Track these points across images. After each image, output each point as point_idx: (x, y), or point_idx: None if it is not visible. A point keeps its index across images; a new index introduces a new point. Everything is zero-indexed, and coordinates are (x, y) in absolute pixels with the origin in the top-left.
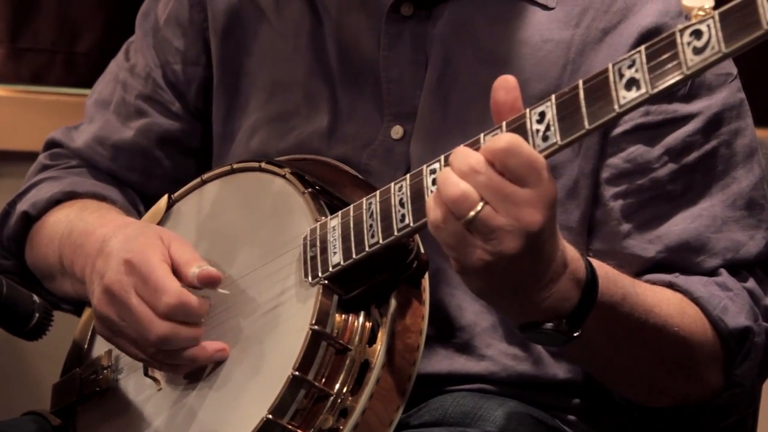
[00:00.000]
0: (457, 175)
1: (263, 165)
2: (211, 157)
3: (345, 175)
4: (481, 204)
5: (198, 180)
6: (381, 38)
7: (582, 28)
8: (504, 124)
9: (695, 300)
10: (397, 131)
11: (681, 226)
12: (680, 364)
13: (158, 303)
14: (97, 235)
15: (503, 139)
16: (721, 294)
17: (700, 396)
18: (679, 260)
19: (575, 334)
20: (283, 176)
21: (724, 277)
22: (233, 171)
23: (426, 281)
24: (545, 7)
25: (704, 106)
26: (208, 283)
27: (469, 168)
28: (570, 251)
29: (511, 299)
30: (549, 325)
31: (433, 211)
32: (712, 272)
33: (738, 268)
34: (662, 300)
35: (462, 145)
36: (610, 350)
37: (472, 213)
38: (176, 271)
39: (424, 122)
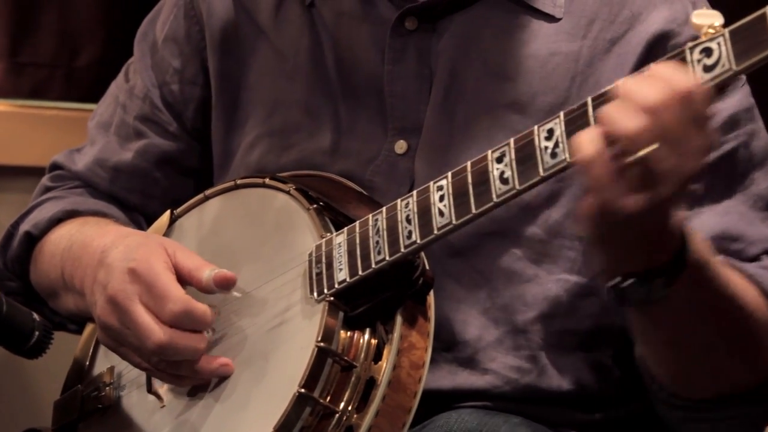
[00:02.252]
0: (634, 108)
1: (267, 181)
2: (211, 177)
3: (349, 191)
4: (656, 144)
5: (201, 196)
6: (385, 52)
7: (590, 39)
8: (512, 140)
9: (749, 277)
10: (401, 146)
11: (714, 219)
12: (743, 343)
13: (163, 310)
14: (96, 246)
15: (689, 79)
16: None
17: (754, 382)
18: (722, 249)
19: (666, 291)
20: (288, 192)
21: (767, 261)
22: (237, 187)
23: (431, 298)
24: (552, 19)
25: (719, 108)
26: (224, 284)
27: (655, 102)
28: None
29: (630, 248)
30: (651, 278)
31: (590, 144)
32: (754, 259)
33: None
34: (731, 273)
35: (636, 78)
36: (688, 316)
37: (642, 152)
38: (187, 278)
39: (429, 137)
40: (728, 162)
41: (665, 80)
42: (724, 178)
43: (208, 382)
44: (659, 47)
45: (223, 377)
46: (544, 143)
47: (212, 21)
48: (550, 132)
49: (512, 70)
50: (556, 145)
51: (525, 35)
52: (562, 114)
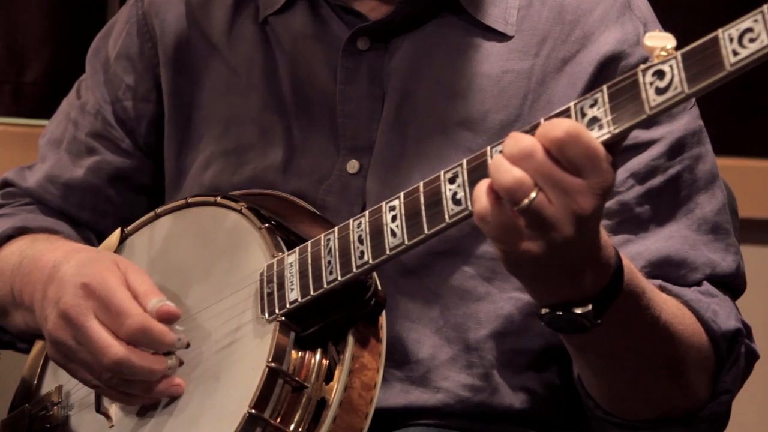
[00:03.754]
0: (508, 160)
1: (218, 199)
2: (164, 194)
3: (301, 210)
4: (535, 191)
5: (152, 214)
6: (337, 72)
7: (541, 57)
8: (465, 161)
9: (686, 303)
10: (353, 165)
11: (657, 244)
12: (678, 369)
13: (120, 326)
14: (46, 261)
15: (562, 126)
16: (708, 300)
17: (689, 407)
18: (662, 275)
19: (598, 321)
20: (239, 211)
21: (707, 286)
22: (188, 205)
23: (383, 318)
24: (504, 38)
25: (666, 131)
26: (167, 318)
27: (520, 152)
28: (604, 235)
29: (549, 282)
30: (577, 309)
31: (481, 201)
32: (695, 285)
33: (716, 284)
34: (667, 299)
35: (515, 132)
36: (622, 344)
37: (526, 201)
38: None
39: (381, 157)
40: (673, 186)
41: (541, 129)
42: (668, 202)
43: (158, 402)
44: (610, 68)
45: (174, 397)
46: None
47: (165, 38)
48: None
49: (464, 88)
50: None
51: (477, 54)
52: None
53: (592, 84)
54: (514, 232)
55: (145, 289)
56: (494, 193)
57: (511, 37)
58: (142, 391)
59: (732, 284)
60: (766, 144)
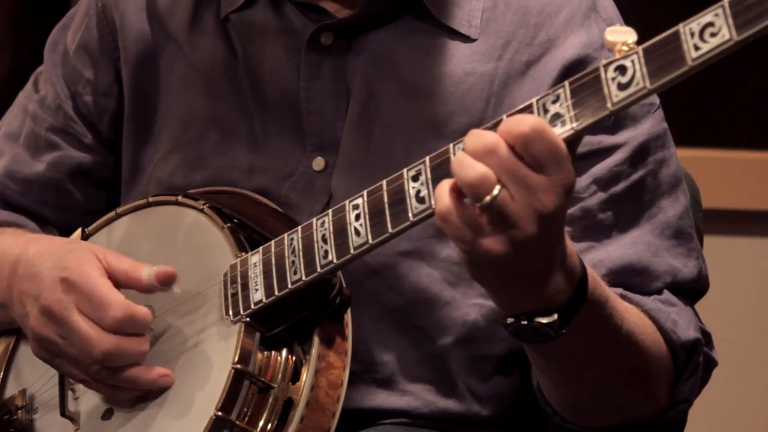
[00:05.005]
0: (471, 156)
1: (180, 198)
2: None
3: (264, 208)
4: (498, 187)
5: (113, 213)
6: (300, 69)
7: (505, 60)
8: (428, 159)
9: (646, 312)
10: (318, 163)
11: (619, 251)
12: (639, 377)
13: (105, 318)
14: (17, 255)
15: (526, 122)
16: (668, 309)
17: (648, 414)
18: (623, 283)
19: (563, 331)
20: (201, 210)
21: (667, 295)
22: (149, 204)
23: (349, 316)
24: (468, 39)
25: (630, 136)
26: (167, 280)
27: (483, 148)
28: (568, 243)
29: (513, 288)
30: (542, 319)
31: (443, 199)
32: (656, 293)
33: (677, 291)
34: (629, 308)
35: (477, 129)
36: (586, 353)
37: (488, 198)
38: (124, 281)
39: (347, 154)
40: (636, 192)
41: (504, 125)
42: (631, 208)
43: (124, 405)
44: (574, 73)
45: (160, 389)
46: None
47: (125, 31)
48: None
49: (428, 89)
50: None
51: (441, 55)
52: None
53: None
54: (476, 231)
55: (132, 265)
56: (456, 191)
57: (475, 40)
58: (129, 381)
59: (694, 289)
60: (729, 134)
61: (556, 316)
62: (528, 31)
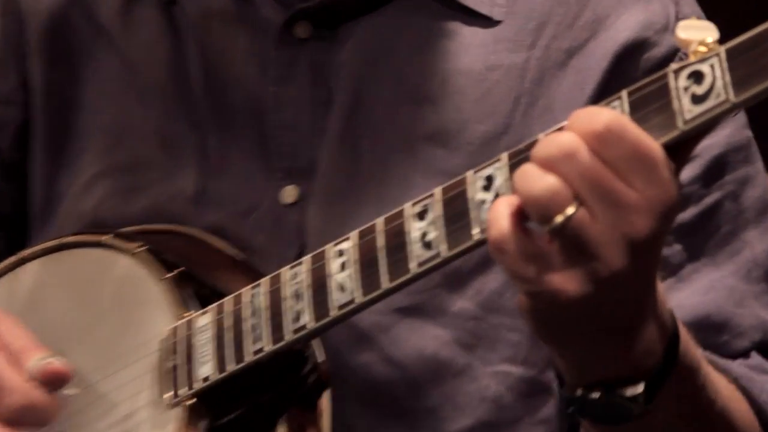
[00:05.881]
0: (540, 165)
1: (105, 239)
2: (28, 228)
3: (219, 254)
4: (574, 206)
5: (16, 258)
6: (269, 68)
7: (539, 48)
8: (438, 191)
9: (735, 380)
10: (289, 193)
11: (692, 299)
12: None
13: None
14: None
15: (601, 117)
16: (761, 378)
17: None
18: (701, 341)
19: (649, 406)
20: (133, 254)
21: (758, 359)
22: (64, 246)
23: (326, 400)
24: (489, 23)
25: (702, 147)
26: (54, 381)
27: (559, 151)
28: (659, 285)
29: (591, 344)
30: (626, 390)
31: (499, 222)
32: (741, 355)
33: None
34: (719, 380)
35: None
36: None
37: (560, 218)
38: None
39: (327, 181)
40: (712, 220)
41: (574, 123)
42: (706, 241)
43: None
44: (630, 61)
45: None
46: (480, 195)
47: (36, 18)
48: (489, 180)
49: (436, 91)
50: (497, 196)
51: (453, 44)
52: (506, 156)
53: (607, 84)
54: (542, 265)
55: (23, 343)
56: (518, 213)
57: (499, 22)
58: None
59: None
60: None
61: (642, 387)
62: (569, 9)
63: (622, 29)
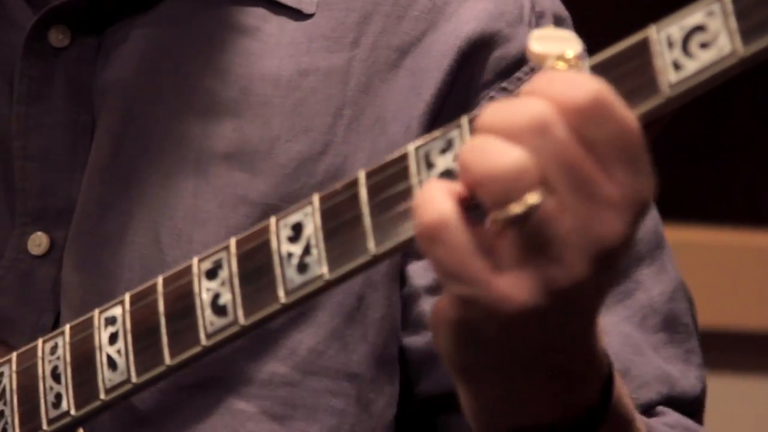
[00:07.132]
0: (502, 135)
1: None
2: None
3: None
4: (538, 192)
5: None
6: (15, 84)
7: (364, 47)
8: (233, 241)
9: None
10: (38, 242)
11: None
12: None
13: None
14: None
15: (585, 86)
16: None
17: None
18: None
19: None
20: None
21: (674, 416)
22: None
23: None
24: (299, 16)
25: None
26: None
27: (529, 121)
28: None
29: (527, 375)
30: None
31: (437, 203)
32: (647, 409)
33: (677, 406)
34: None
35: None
36: None
37: (517, 207)
38: None
39: (87, 226)
40: None
41: (548, 89)
42: None
43: None
44: (476, 60)
45: None
46: (287, 247)
47: None
48: (296, 229)
49: (234, 102)
50: (307, 251)
51: (255, 44)
52: (316, 198)
53: (450, 87)
54: (488, 261)
55: None
56: (458, 195)
57: (311, 16)
58: None
59: (697, 413)
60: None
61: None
62: None
63: (466, 20)
